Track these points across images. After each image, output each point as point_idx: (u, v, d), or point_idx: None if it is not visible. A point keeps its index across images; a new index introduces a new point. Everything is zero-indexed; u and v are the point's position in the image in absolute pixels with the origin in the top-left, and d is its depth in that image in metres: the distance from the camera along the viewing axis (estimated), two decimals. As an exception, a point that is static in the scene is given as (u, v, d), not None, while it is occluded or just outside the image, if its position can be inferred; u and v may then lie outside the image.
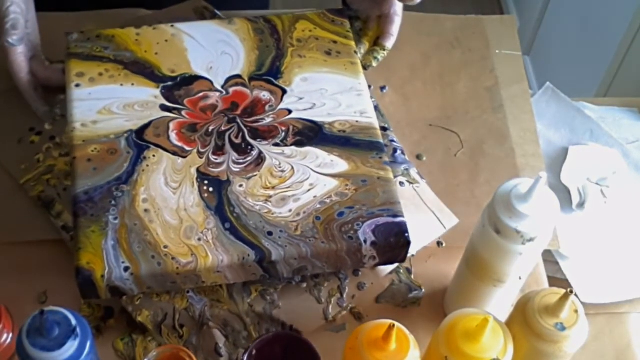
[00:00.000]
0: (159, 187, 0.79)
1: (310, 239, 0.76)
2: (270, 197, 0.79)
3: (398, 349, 0.67)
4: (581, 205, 0.95)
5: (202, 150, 0.82)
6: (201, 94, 0.85)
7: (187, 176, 0.80)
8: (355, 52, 0.90)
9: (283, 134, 0.83)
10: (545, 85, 1.07)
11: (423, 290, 0.84)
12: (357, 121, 0.85)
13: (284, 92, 0.87)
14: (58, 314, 0.66)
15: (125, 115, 0.83)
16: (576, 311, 0.70)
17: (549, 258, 0.90)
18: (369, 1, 0.97)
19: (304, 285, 0.82)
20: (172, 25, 0.89)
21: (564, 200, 0.95)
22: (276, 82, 0.87)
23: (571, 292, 0.68)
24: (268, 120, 0.84)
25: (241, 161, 0.81)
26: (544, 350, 0.70)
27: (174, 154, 0.81)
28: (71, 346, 0.65)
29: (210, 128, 0.83)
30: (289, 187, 0.80)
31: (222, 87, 0.86)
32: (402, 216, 0.78)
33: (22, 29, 0.88)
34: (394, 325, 0.66)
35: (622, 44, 1.49)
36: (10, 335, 0.76)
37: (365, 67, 0.94)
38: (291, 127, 0.84)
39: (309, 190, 0.80)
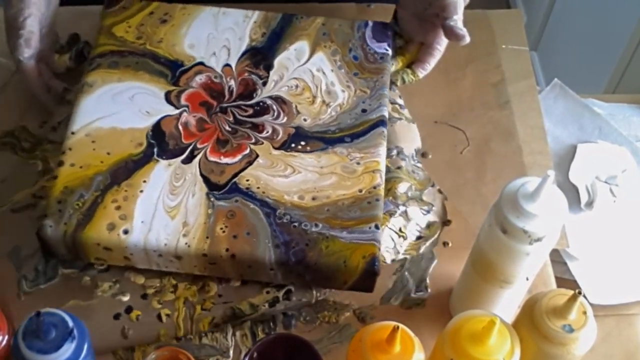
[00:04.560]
0: (277, 183, 0.79)
1: None
2: (324, 101, 0.85)
3: (402, 352, 0.66)
4: (590, 204, 0.95)
5: (250, 142, 0.82)
6: (180, 126, 0.82)
7: (281, 157, 0.81)
8: None
9: (253, 76, 0.86)
10: (553, 81, 1.06)
11: (429, 291, 0.83)
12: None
13: (197, 64, 0.87)
14: (55, 316, 0.66)
15: (178, 198, 0.78)
16: (584, 312, 0.69)
17: (557, 258, 0.90)
18: (416, 25, 0.93)
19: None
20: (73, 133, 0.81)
21: (572, 199, 0.94)
22: (183, 68, 0.86)
23: (579, 293, 0.68)
24: (232, 82, 0.86)
25: (275, 115, 0.84)
26: (552, 352, 0.69)
27: (249, 164, 0.80)
28: (68, 348, 0.65)
29: (226, 128, 0.83)
30: (317, 85, 0.86)
31: (178, 107, 0.84)
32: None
33: (35, 46, 0.85)
34: (398, 327, 0.65)
35: (631, 39, 1.48)
36: (6, 337, 0.75)
37: (390, 84, 0.92)
38: (247, 69, 0.87)
39: (323, 72, 0.87)
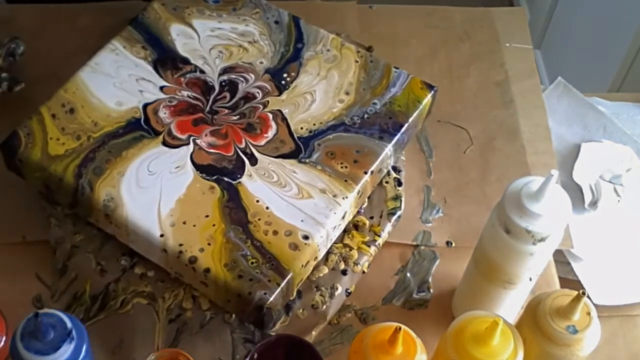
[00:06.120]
0: (317, 110, 0.83)
1: None
2: (249, 42, 0.88)
3: (404, 353, 0.66)
4: (594, 204, 0.94)
5: (262, 110, 0.83)
6: (210, 150, 0.80)
7: (292, 96, 0.84)
8: None
9: (189, 75, 0.85)
10: (557, 80, 1.06)
11: (431, 292, 0.83)
12: None
13: (144, 107, 0.83)
14: (53, 317, 0.65)
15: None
16: (588, 313, 0.69)
17: (561, 258, 0.89)
18: None
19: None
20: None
21: (576, 199, 0.94)
22: (142, 119, 0.82)
23: (583, 293, 0.67)
24: (184, 93, 0.84)
25: (244, 80, 0.85)
26: (556, 353, 0.69)
27: (284, 120, 0.83)
28: (66, 350, 0.64)
29: (234, 119, 0.82)
30: (229, 39, 0.88)
31: (187, 142, 0.81)
32: None
33: None
34: (400, 328, 0.65)
35: (636, 37, 1.47)
36: (4, 338, 0.75)
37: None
38: (177, 75, 0.85)
39: (218, 29, 0.89)
